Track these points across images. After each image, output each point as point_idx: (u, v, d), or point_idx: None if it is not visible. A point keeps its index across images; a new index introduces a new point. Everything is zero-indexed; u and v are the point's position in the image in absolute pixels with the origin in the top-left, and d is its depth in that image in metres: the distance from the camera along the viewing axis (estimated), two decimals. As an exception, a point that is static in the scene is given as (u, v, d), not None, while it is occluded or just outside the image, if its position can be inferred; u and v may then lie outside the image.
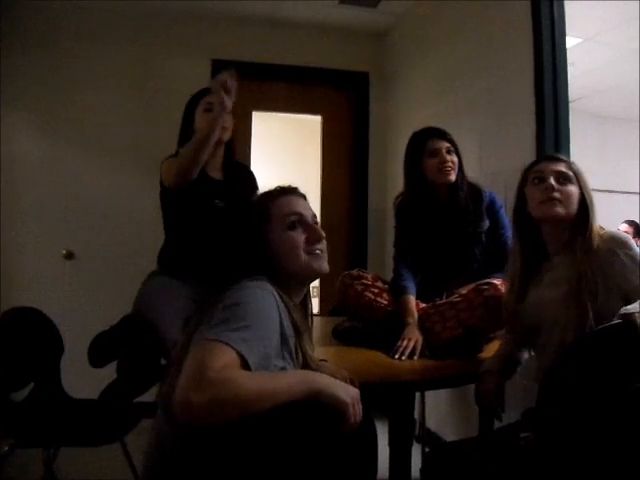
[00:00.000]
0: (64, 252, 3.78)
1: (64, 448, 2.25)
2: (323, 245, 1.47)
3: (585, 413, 1.33)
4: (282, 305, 1.31)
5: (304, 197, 1.53)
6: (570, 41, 3.05)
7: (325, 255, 1.48)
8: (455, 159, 2.32)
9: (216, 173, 2.47)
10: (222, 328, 1.15)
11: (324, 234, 1.47)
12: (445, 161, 2.28)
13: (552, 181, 1.67)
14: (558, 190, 1.66)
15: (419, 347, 2.00)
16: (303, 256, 1.42)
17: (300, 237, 1.44)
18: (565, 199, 1.66)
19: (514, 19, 2.70)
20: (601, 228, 1.67)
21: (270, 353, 1.22)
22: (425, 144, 2.33)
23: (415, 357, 1.96)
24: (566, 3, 2.54)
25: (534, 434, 1.50)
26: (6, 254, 3.63)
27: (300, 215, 1.46)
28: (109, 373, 2.40)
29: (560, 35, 2.52)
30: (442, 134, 2.34)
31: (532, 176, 1.73)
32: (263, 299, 1.26)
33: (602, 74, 4.63)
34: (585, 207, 1.67)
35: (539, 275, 1.74)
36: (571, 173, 1.69)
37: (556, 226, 1.70)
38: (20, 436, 2.09)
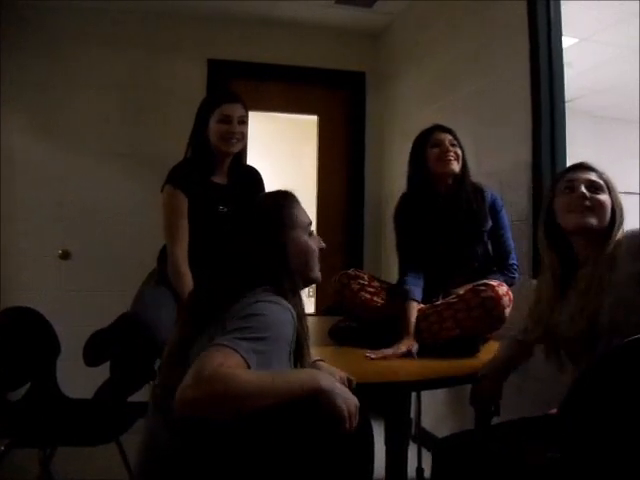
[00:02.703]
0: (60, 252, 3.77)
1: (60, 448, 2.25)
2: None
3: (610, 434, 1.24)
4: (296, 319, 1.31)
5: None
6: (567, 41, 3.05)
7: None
8: (459, 151, 2.32)
9: (221, 178, 2.48)
10: (233, 336, 1.16)
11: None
12: (447, 150, 2.29)
13: (583, 189, 1.58)
14: (590, 199, 1.57)
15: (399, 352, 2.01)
16: (316, 263, 1.48)
17: (316, 245, 1.49)
18: (597, 208, 1.57)
19: (510, 19, 2.71)
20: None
21: (277, 369, 1.22)
22: (430, 136, 2.35)
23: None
24: (562, 3, 2.54)
25: (558, 454, 1.38)
26: (2, 254, 3.63)
27: (311, 224, 1.50)
28: (106, 373, 2.40)
29: (556, 35, 2.52)
30: (447, 129, 2.36)
31: (562, 186, 1.64)
32: (279, 315, 1.26)
33: (600, 74, 4.63)
34: (614, 218, 1.59)
35: (569, 289, 1.66)
36: (602, 182, 1.61)
37: (586, 237, 1.62)
38: (16, 436, 2.08)
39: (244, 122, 2.45)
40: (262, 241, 1.40)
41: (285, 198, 1.50)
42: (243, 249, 1.41)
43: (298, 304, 1.39)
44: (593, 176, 1.62)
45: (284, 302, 1.30)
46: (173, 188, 2.36)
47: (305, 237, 1.46)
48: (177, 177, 2.38)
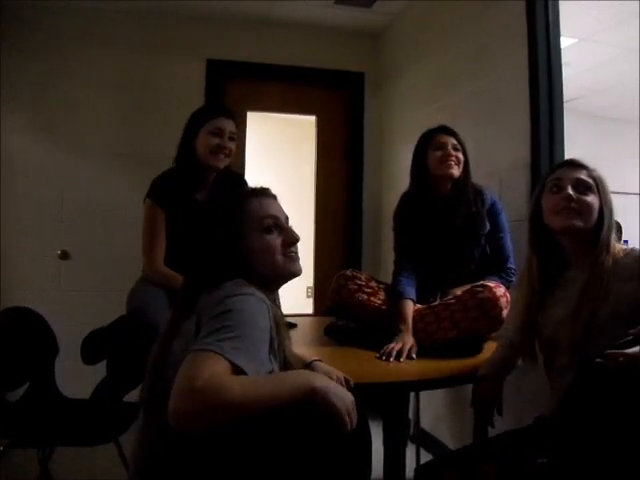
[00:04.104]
0: (59, 252, 3.77)
1: (59, 448, 2.25)
2: (297, 247, 1.48)
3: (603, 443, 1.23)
4: (270, 309, 1.30)
5: (275, 198, 1.51)
6: (566, 41, 3.05)
7: (299, 256, 1.48)
8: (461, 156, 2.32)
9: (204, 194, 2.44)
10: (213, 338, 1.14)
11: (299, 237, 1.47)
12: (449, 155, 2.29)
13: (570, 190, 1.56)
14: (576, 200, 1.56)
15: (406, 349, 1.98)
16: (280, 259, 1.42)
17: (277, 240, 1.43)
18: (583, 210, 1.56)
19: (509, 19, 2.71)
20: (624, 242, 1.58)
21: (263, 360, 1.22)
22: (432, 138, 2.34)
23: (402, 359, 1.95)
24: (561, 3, 2.54)
25: (550, 460, 1.37)
26: (2, 254, 3.63)
27: (275, 218, 1.45)
28: (105, 373, 2.40)
29: (555, 35, 2.52)
30: (451, 131, 2.36)
31: (550, 184, 1.62)
32: (254, 307, 1.25)
33: (599, 74, 4.64)
34: (602, 218, 1.57)
35: (556, 290, 1.66)
36: (591, 181, 1.59)
37: (573, 238, 1.61)
38: (15, 436, 2.08)
39: (234, 139, 2.44)
40: (218, 236, 1.40)
41: (243, 195, 1.48)
42: (205, 244, 1.42)
43: (270, 297, 1.38)
44: (582, 175, 1.60)
45: (258, 292, 1.29)
46: (152, 202, 2.36)
47: (261, 236, 1.42)
48: (158, 191, 2.38)
